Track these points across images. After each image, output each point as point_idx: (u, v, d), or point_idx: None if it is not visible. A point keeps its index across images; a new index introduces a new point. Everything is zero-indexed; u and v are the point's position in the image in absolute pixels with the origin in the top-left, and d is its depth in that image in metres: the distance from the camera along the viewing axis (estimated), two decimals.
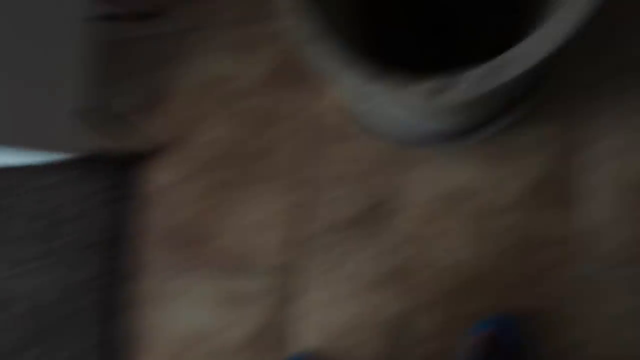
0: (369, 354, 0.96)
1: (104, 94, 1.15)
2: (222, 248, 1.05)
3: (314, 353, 0.98)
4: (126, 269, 1.10)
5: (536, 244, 0.90)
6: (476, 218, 0.93)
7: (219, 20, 1.12)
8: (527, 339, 0.87)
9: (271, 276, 1.02)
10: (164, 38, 1.15)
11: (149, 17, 1.16)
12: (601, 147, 0.89)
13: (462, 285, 0.92)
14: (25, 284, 1.13)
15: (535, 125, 0.92)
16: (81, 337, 1.09)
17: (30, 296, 1.12)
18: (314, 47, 0.58)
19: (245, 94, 1.08)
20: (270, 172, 1.05)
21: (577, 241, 0.88)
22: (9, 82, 0.84)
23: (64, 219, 1.14)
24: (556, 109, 0.92)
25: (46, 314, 1.11)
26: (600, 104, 0.90)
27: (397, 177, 0.98)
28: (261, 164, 1.06)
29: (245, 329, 1.01)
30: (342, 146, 1.01)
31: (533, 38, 0.52)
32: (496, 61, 0.52)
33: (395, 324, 0.94)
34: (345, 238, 0.99)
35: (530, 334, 0.87)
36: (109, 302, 1.09)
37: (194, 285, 1.05)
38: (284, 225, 1.02)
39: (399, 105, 0.60)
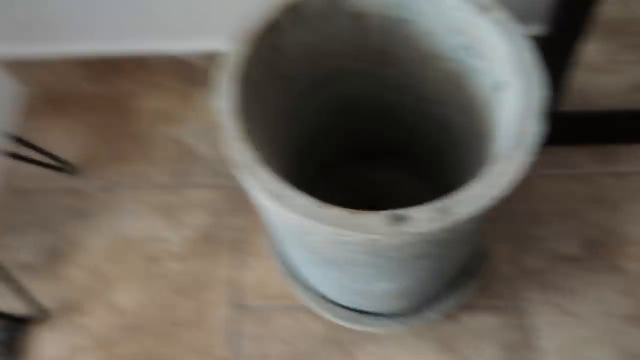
0: None
1: None
2: None
3: None
4: None
5: None
6: None
7: (142, 183, 1.10)
8: None
9: None
10: (78, 195, 1.10)
11: (66, 170, 1.12)
12: (558, 336, 0.86)
13: None
14: None
15: (484, 311, 0.89)
16: None
17: None
18: (256, 176, 0.56)
19: (169, 260, 1.01)
20: (196, 348, 0.92)
21: None
22: None
23: None
24: (505, 296, 0.90)
25: None
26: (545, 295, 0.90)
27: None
28: (181, 338, 0.93)
29: None
30: (276, 323, 0.93)
31: (478, 184, 0.53)
32: (443, 201, 0.52)
33: None
34: None
35: None
36: None
37: None
38: None
39: (346, 247, 0.57)
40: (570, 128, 1.00)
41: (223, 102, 0.62)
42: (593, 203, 0.96)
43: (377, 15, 0.73)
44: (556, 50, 0.89)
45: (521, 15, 1.00)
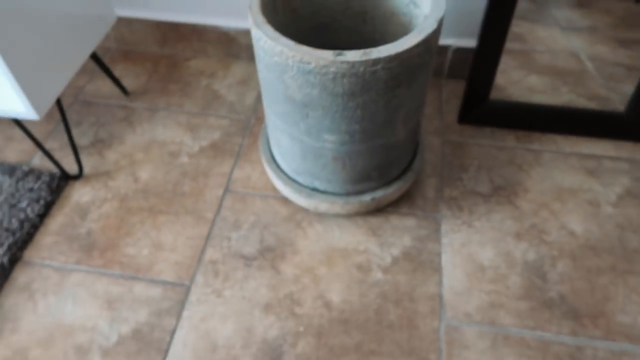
0: None
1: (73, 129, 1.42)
2: (126, 256, 1.13)
3: None
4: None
5: (409, 297, 1.04)
6: (355, 271, 1.08)
7: (177, 109, 1.47)
8: None
9: (169, 287, 1.08)
10: (128, 110, 1.48)
11: (123, 92, 1.51)
12: (457, 237, 1.13)
13: (337, 322, 1.02)
14: None
15: (406, 215, 1.17)
16: None
17: None
18: (262, 29, 0.91)
19: (183, 156, 1.34)
20: (188, 209, 1.22)
21: (446, 299, 1.03)
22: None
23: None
24: (425, 209, 1.19)
25: None
26: (454, 212, 1.18)
27: (294, 230, 1.16)
28: (180, 202, 1.23)
29: (123, 329, 1.02)
30: (252, 203, 1.22)
31: (390, 45, 0.87)
32: (367, 49, 0.86)
33: (272, 345, 0.98)
34: (243, 267, 1.10)
35: None
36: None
37: (87, 282, 1.09)
38: (189, 249, 1.14)
39: (307, 79, 0.89)
40: (501, 114, 1.33)
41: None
42: (506, 164, 1.26)
43: None
44: (484, 55, 1.25)
45: (462, 32, 1.40)
